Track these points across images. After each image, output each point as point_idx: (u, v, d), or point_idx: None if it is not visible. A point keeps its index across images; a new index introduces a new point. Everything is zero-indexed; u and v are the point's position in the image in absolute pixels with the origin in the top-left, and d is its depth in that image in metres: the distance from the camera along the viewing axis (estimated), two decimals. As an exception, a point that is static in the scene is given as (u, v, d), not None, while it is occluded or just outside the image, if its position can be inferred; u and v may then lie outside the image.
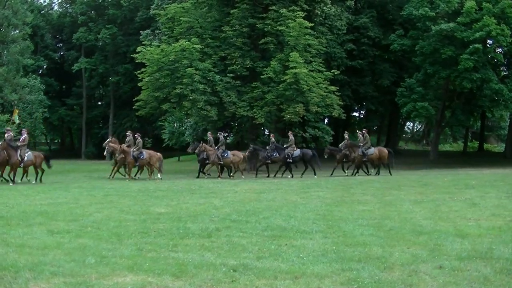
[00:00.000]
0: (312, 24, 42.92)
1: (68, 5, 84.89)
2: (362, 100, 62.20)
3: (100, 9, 78.07)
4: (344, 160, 37.33)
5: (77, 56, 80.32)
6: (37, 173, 31.02)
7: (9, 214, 16.18)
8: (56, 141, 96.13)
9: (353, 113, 73.72)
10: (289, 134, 39.20)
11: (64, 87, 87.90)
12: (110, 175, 34.64)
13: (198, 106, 40.99)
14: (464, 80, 45.26)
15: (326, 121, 59.56)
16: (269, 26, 42.57)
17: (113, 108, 79.31)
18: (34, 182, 30.27)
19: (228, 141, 59.26)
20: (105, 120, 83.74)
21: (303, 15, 41.96)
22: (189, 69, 40.48)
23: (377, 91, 57.04)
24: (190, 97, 40.41)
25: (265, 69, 42.16)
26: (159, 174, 34.24)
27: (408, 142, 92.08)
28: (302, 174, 36.26)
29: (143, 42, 48.63)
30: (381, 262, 9.62)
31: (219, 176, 35.42)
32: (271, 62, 41.96)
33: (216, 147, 35.97)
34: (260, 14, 43.81)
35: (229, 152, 36.22)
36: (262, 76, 42.11)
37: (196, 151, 36.39)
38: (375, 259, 9.82)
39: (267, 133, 49.56)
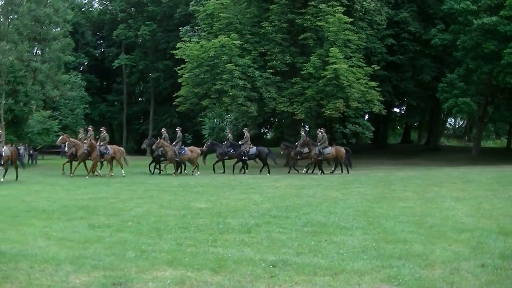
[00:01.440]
0: (351, 19, 42.67)
1: (108, 3, 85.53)
2: (403, 96, 61.50)
3: (140, 6, 78.44)
4: (298, 157, 36.80)
5: (117, 53, 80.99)
6: (16, 168, 29.79)
7: (51, 208, 16.39)
8: (97, 137, 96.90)
9: (393, 108, 73.08)
10: (244, 130, 39.27)
11: (104, 83, 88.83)
12: (72, 172, 33.00)
13: (238, 102, 41.07)
14: (507, 75, 44.39)
15: (366, 117, 59.18)
16: (309, 22, 42.46)
17: (153, 104, 79.76)
18: (2, 179, 28.34)
19: (268, 137, 59.21)
20: (145, 116, 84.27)
21: (342, 10, 41.72)
22: (229, 65, 40.61)
23: (417, 86, 56.32)
24: (230, 93, 40.51)
25: (304, 64, 42.06)
26: (123, 171, 33.37)
27: (450, 138, 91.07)
28: (261, 171, 36.29)
29: (182, 39, 48.76)
30: (422, 259, 9.49)
31: (174, 173, 34.63)
32: (310, 57, 41.81)
33: (173, 143, 35.40)
34: (299, 9, 43.70)
35: (186, 148, 35.62)
36: (302, 72, 42.03)
37: (153, 147, 35.52)
38: (415, 256, 9.69)
39: (307, 128, 49.20)
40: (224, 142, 37.69)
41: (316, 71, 41.16)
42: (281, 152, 38.26)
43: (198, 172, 35.12)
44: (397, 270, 8.77)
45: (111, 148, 33.64)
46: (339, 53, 40.36)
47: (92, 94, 77.66)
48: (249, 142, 36.87)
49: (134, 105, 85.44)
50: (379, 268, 8.96)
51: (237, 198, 19.29)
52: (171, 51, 51.30)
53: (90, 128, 36.59)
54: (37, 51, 57.93)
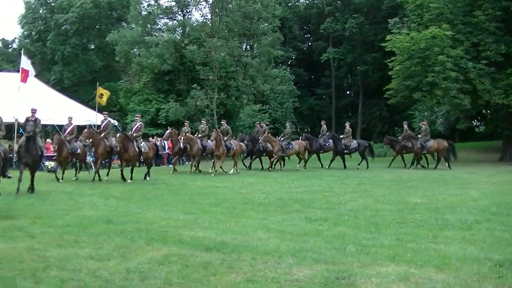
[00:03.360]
0: None
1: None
2: None
3: (346, -2, 78.67)
4: (404, 151, 35.91)
5: (325, 46, 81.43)
6: (149, 166, 27.38)
7: (266, 200, 16.86)
8: (306, 130, 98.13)
9: None
10: (346, 124, 38.06)
11: (312, 77, 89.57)
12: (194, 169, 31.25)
13: (451, 94, 40.03)
14: None
15: None
16: (525, 8, 40.56)
17: (362, 97, 79.53)
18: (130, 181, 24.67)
19: (480, 130, 57.27)
20: (354, 109, 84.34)
21: None
22: (441, 56, 39.65)
23: None
24: (442, 85, 39.56)
25: (522, 54, 40.25)
26: (233, 169, 31.06)
27: None
28: (359, 164, 35.07)
29: (391, 31, 48.23)
30: None
31: (269, 168, 32.85)
32: (529, 46, 39.96)
33: (280, 138, 33.46)
34: (515, -5, 41.82)
35: (293, 142, 33.62)
36: (518, 62, 40.24)
37: (260, 141, 32.34)
38: None
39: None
40: (321, 135, 36.62)
41: (534, 61, 39.32)
42: (384, 146, 38.06)
43: (304, 168, 33.42)
44: None
45: (234, 144, 31.64)
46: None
47: (300, 88, 78.64)
48: (351, 136, 36.40)
49: (342, 99, 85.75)
50: None
51: (453, 194, 19.03)
52: (379, 44, 50.97)
53: (186, 123, 34.77)
54: (247, 47, 59.55)
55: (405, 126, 36.94)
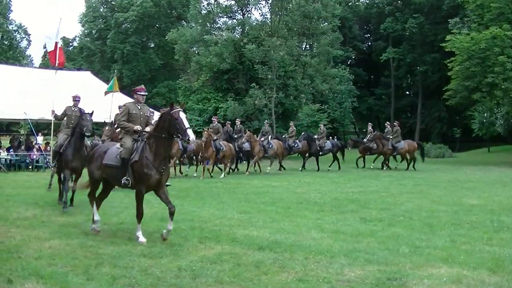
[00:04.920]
0: None
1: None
2: None
3: (407, -2, 78.04)
4: (368, 153, 34.98)
5: (385, 46, 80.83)
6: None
7: (322, 200, 16.88)
8: (364, 130, 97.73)
9: None
10: (320, 125, 37.11)
11: (372, 77, 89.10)
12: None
13: (511, 95, 39.48)
14: None
15: None
16: None
17: (421, 97, 78.75)
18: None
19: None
20: (413, 109, 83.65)
21: None
22: (501, 57, 39.12)
23: None
24: (502, 86, 39.01)
25: None
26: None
27: None
28: (330, 166, 33.39)
29: (451, 31, 47.67)
30: None
31: (247, 170, 29.87)
32: None
33: (260, 138, 30.99)
34: None
35: (272, 142, 30.87)
36: None
37: (243, 139, 29.42)
38: None
39: None
40: (289, 135, 33.99)
41: None
42: (349, 148, 36.72)
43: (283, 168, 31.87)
44: None
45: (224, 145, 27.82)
46: None
47: (359, 88, 78.05)
48: (325, 136, 34.86)
49: (401, 99, 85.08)
50: None
51: (510, 196, 18.93)
52: (439, 44, 50.43)
53: (214, 119, 30.35)
54: (306, 46, 59.44)
55: (369, 128, 36.44)
